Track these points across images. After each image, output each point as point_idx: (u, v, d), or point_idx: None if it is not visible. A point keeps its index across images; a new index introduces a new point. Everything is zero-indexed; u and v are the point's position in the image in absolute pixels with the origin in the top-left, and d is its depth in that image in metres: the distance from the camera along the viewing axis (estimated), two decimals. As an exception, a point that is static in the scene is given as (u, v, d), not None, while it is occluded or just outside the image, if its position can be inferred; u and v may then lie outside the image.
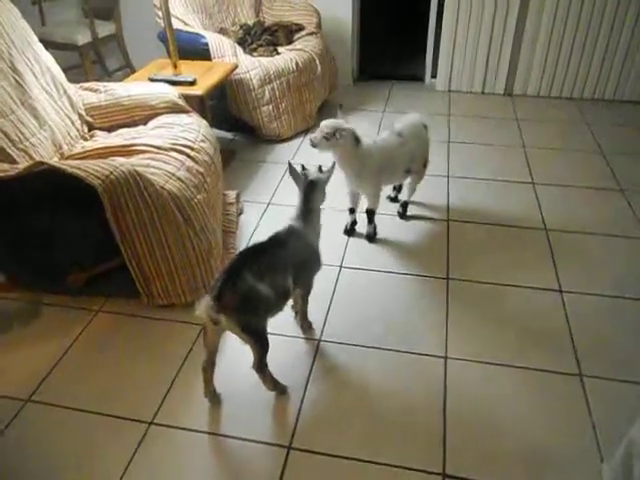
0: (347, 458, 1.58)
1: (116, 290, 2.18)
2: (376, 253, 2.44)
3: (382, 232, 2.54)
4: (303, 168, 1.83)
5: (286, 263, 1.67)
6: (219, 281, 1.51)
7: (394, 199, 2.77)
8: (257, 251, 1.64)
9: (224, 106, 3.23)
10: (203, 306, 1.48)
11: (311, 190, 1.77)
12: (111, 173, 1.79)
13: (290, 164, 1.81)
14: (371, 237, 2.51)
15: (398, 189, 2.77)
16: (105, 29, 3.92)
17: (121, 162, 1.89)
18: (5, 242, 2.05)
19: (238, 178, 3.00)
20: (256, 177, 3.04)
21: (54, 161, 1.92)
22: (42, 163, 1.75)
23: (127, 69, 4.22)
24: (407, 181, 2.62)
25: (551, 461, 1.57)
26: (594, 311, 2.09)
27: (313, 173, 1.79)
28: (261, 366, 1.66)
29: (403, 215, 2.66)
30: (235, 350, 1.85)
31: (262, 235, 2.50)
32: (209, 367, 1.69)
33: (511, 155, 3.25)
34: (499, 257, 2.39)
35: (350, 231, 2.55)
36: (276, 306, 1.66)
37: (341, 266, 2.35)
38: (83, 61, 3.72)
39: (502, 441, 1.62)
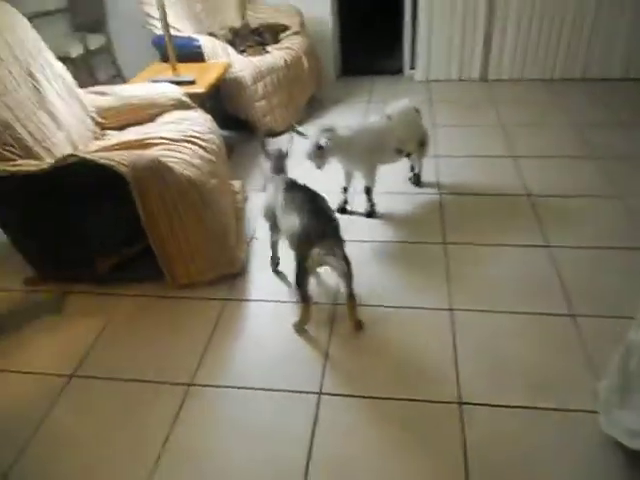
0: (376, 398, 1.76)
1: (139, 275, 2.34)
2: (375, 226, 2.63)
3: (379, 208, 2.73)
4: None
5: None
6: (320, 225, 1.88)
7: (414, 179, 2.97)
8: (315, 195, 2.02)
9: (219, 105, 3.41)
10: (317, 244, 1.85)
11: (283, 157, 2.24)
12: (137, 161, 1.96)
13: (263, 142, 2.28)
14: (370, 213, 2.70)
15: (412, 170, 2.96)
16: (95, 41, 4.07)
17: (142, 152, 2.05)
18: (37, 236, 2.20)
19: (239, 170, 3.16)
20: (255, 169, 3.22)
21: (84, 153, 2.07)
22: (74, 155, 1.91)
23: (119, 78, 4.37)
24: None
25: (552, 385, 1.77)
26: (579, 261, 2.31)
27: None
28: (353, 292, 1.97)
29: (418, 183, 2.92)
30: (259, 314, 2.06)
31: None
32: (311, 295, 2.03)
33: (492, 134, 3.47)
34: (489, 222, 2.60)
35: (342, 209, 2.73)
36: None
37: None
38: (79, 73, 3.86)
39: (508, 373, 1.82)
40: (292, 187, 2.08)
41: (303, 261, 1.88)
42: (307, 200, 1.98)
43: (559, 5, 3.95)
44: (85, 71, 4.06)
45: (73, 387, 1.88)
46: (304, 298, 1.99)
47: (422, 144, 2.78)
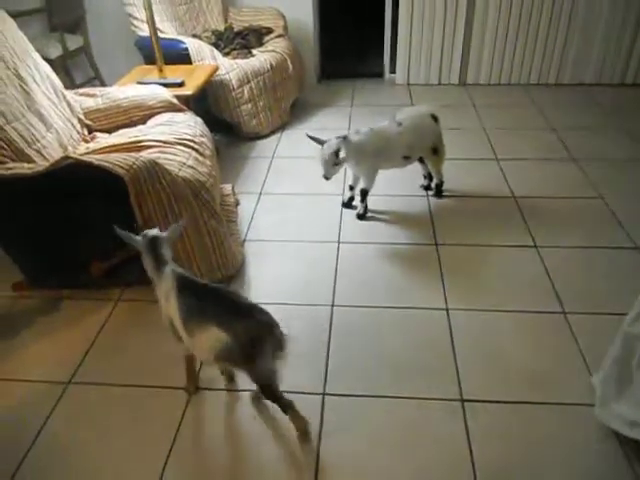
0: (380, 397, 1.78)
1: (133, 279, 2.30)
2: (369, 228, 2.66)
3: (371, 210, 2.76)
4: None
5: None
6: (256, 317, 1.51)
7: (427, 187, 2.96)
8: (220, 288, 1.62)
9: (204, 107, 3.38)
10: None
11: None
12: (134, 163, 1.94)
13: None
14: (361, 215, 2.73)
15: (429, 178, 2.94)
16: (74, 42, 4.00)
17: (139, 155, 2.03)
18: (29, 241, 2.15)
19: (226, 174, 3.14)
20: (243, 171, 3.21)
21: (80, 155, 2.04)
22: (69, 157, 1.87)
23: (96, 81, 4.29)
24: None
25: (548, 380, 1.83)
26: (567, 260, 2.38)
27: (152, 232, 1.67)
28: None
29: (438, 194, 2.89)
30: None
31: (260, 222, 2.70)
32: None
33: (474, 137, 3.55)
34: (477, 223, 2.66)
35: (347, 204, 2.81)
36: None
37: (339, 242, 2.55)
38: (57, 74, 3.77)
39: (505, 369, 1.87)
40: (187, 287, 1.57)
41: (265, 371, 1.54)
42: (219, 298, 1.55)
43: (534, 14, 4.06)
44: (62, 73, 3.97)
45: (71, 394, 1.85)
46: (289, 405, 1.61)
47: (435, 151, 2.72)
